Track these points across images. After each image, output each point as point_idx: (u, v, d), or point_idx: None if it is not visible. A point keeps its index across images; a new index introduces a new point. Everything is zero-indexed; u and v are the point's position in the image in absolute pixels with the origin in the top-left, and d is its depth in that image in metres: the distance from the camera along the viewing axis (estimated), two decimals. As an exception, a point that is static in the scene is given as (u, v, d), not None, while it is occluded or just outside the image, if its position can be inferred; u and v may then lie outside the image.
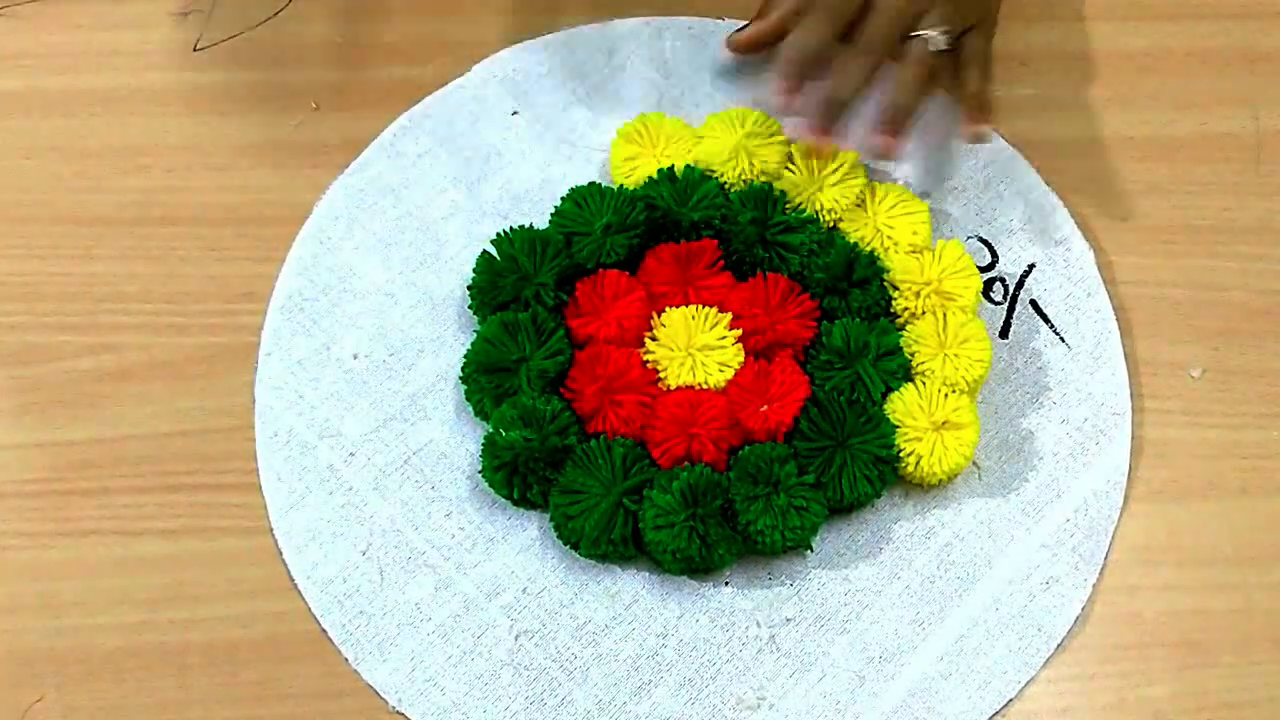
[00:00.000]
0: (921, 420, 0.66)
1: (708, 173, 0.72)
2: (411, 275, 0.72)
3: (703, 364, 0.67)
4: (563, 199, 0.71)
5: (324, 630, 0.65)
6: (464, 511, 0.67)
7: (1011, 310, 0.72)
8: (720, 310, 0.68)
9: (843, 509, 0.67)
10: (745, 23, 0.76)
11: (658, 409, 0.66)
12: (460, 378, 0.68)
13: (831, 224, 0.71)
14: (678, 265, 0.69)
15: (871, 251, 0.70)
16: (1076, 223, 0.74)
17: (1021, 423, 0.70)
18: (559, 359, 0.67)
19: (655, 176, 0.71)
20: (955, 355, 0.68)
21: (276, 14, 0.79)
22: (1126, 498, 0.69)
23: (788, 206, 0.71)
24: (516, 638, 0.65)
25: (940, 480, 0.67)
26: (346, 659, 0.64)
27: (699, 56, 0.78)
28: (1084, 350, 0.71)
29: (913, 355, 0.68)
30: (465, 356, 0.68)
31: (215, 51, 0.78)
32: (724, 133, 0.73)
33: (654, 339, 0.68)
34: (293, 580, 0.66)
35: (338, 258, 0.73)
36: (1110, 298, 0.72)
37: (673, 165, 0.71)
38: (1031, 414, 0.70)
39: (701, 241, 0.70)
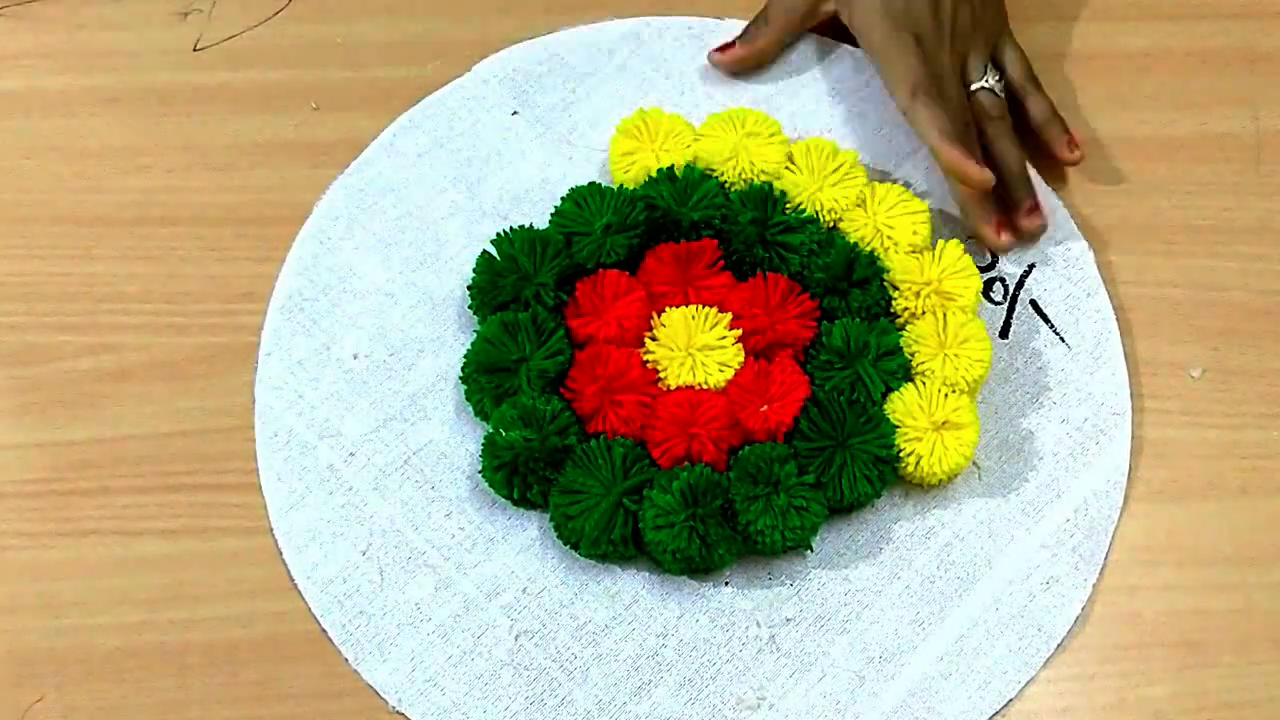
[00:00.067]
0: (921, 420, 0.66)
1: (708, 172, 0.72)
2: (411, 275, 0.72)
3: (703, 364, 0.67)
4: (563, 199, 0.71)
5: (324, 630, 0.65)
6: (464, 511, 0.67)
7: (1011, 310, 0.72)
8: (720, 310, 0.68)
9: (843, 509, 0.67)
10: (735, 37, 0.77)
11: (658, 409, 0.66)
12: (460, 378, 0.68)
13: (832, 224, 0.71)
14: (678, 265, 0.69)
15: (871, 251, 0.70)
16: (1076, 223, 0.74)
17: (1021, 423, 0.70)
18: (559, 359, 0.67)
19: (655, 175, 0.71)
20: (955, 355, 0.68)
21: (276, 14, 0.79)
22: (1126, 497, 0.69)
23: (788, 206, 0.71)
24: (516, 638, 0.65)
25: (940, 480, 0.67)
26: (346, 659, 0.64)
27: (700, 57, 0.78)
28: (1084, 350, 0.71)
29: (913, 355, 0.68)
30: (465, 356, 0.68)
31: (215, 51, 0.78)
32: (724, 132, 0.73)
33: (654, 339, 0.68)
34: (293, 580, 0.66)
35: (338, 258, 0.73)
36: (1110, 298, 0.72)
37: (672, 165, 0.71)
38: (1031, 414, 0.70)
39: (701, 241, 0.70)
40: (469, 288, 0.70)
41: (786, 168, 0.72)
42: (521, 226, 0.70)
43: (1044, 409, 0.70)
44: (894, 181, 0.74)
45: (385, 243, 0.73)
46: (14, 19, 0.79)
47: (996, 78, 0.75)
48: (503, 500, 0.67)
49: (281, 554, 0.66)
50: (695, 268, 0.69)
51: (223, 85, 0.77)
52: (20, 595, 0.65)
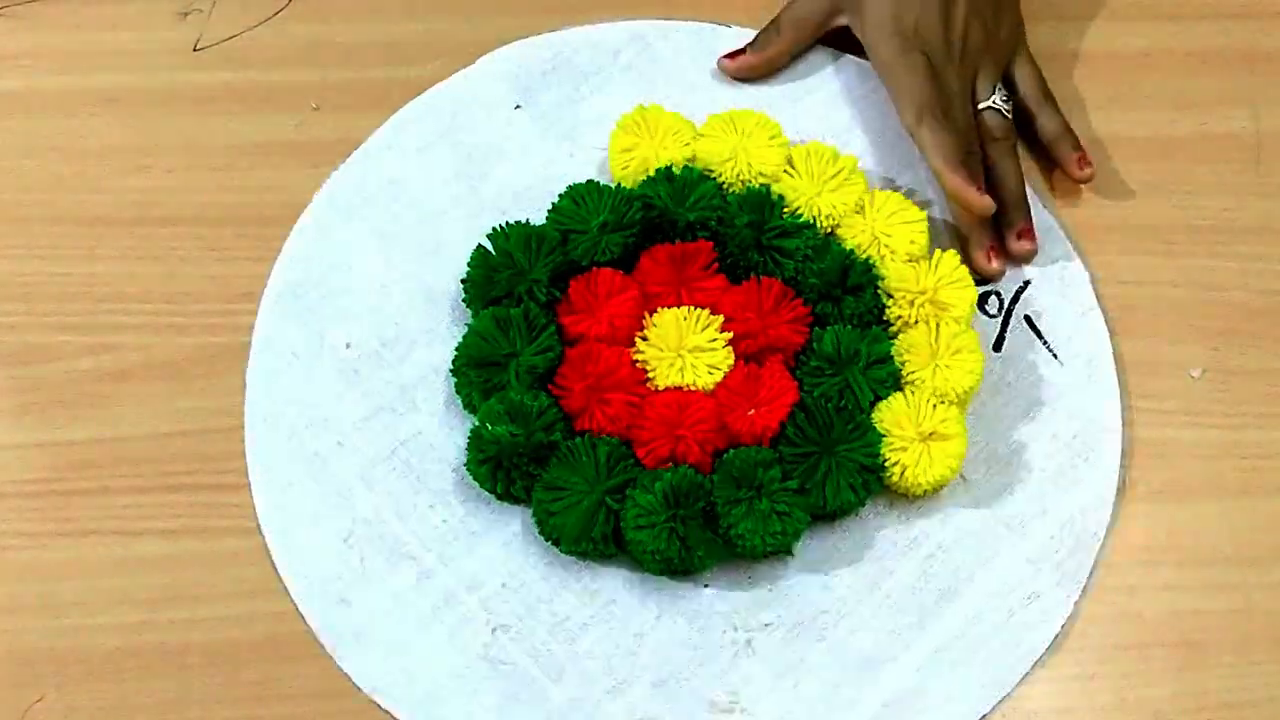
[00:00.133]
0: (909, 430, 0.66)
1: (706, 173, 0.72)
2: (409, 267, 0.72)
3: (692, 365, 0.67)
4: (560, 196, 0.71)
5: (301, 615, 0.65)
6: (448, 504, 0.67)
7: (1006, 324, 0.72)
8: (713, 312, 0.68)
9: (826, 516, 0.67)
10: (746, 44, 0.77)
11: (645, 409, 0.66)
12: (451, 371, 0.68)
13: (829, 229, 0.71)
14: (672, 266, 0.69)
15: (867, 259, 0.70)
16: (1073, 244, 0.74)
17: (1011, 436, 0.69)
18: (549, 355, 0.67)
19: (653, 175, 0.71)
20: (946, 366, 0.67)
21: (276, 14, 0.79)
22: (1126, 498, 0.69)
23: (785, 210, 0.71)
24: (494, 632, 0.65)
25: (925, 491, 0.67)
26: (323, 645, 0.64)
27: (705, 61, 0.78)
28: (1076, 367, 0.71)
29: (903, 364, 0.68)
30: (456, 350, 0.68)
31: (215, 51, 0.78)
32: (724, 133, 0.73)
33: (645, 339, 0.68)
34: (273, 564, 0.65)
35: (335, 247, 0.73)
36: (1104, 316, 0.72)
37: (671, 165, 0.71)
38: (1021, 428, 0.70)
39: (697, 243, 0.70)
40: (463, 281, 0.70)
41: (786, 171, 0.72)
42: (518, 222, 0.70)
43: (1034, 423, 0.70)
44: (896, 189, 0.74)
45: (384, 234, 0.73)
46: (14, 19, 0.79)
47: (1004, 97, 0.75)
48: (487, 494, 0.67)
49: (263, 536, 0.66)
50: (690, 269, 0.69)
51: (223, 85, 0.77)
52: (20, 595, 0.65)
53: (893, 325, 0.69)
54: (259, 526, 0.66)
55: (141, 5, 0.79)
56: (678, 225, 0.70)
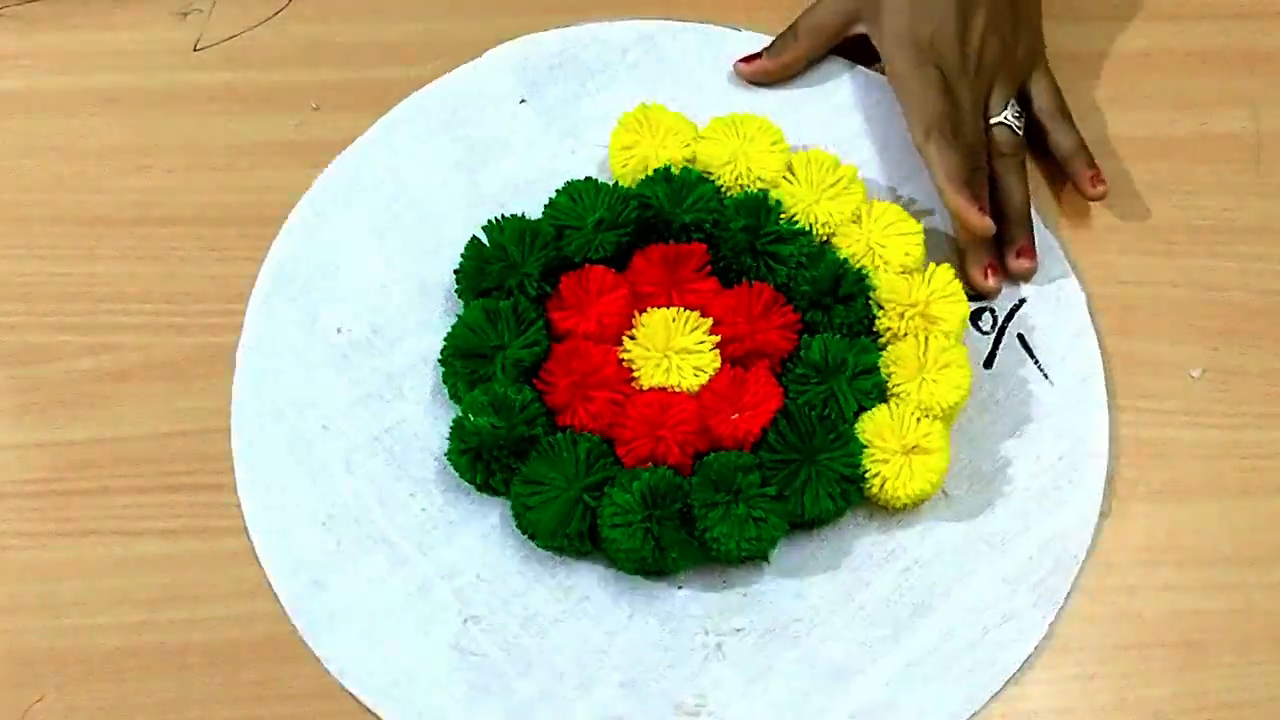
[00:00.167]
0: (891, 442, 0.65)
1: (705, 175, 0.72)
2: (405, 256, 0.72)
3: (678, 366, 0.67)
4: (557, 191, 0.71)
5: (274, 592, 0.65)
6: (428, 493, 0.67)
7: (998, 341, 0.72)
8: (703, 315, 0.68)
9: (804, 524, 0.66)
10: (762, 48, 0.77)
11: (628, 408, 0.66)
12: (439, 361, 0.68)
13: (825, 237, 0.71)
14: (665, 266, 0.69)
15: (860, 268, 0.69)
16: (1071, 264, 0.73)
17: (996, 454, 0.69)
18: (535, 350, 0.67)
19: (651, 174, 0.71)
20: (933, 380, 0.66)
21: (276, 14, 0.79)
22: (1126, 498, 0.69)
23: (782, 216, 0.70)
24: (465, 622, 0.65)
25: (905, 505, 0.66)
26: (295, 627, 0.64)
27: (713, 63, 0.78)
28: (1067, 388, 0.71)
29: (890, 376, 0.67)
30: (445, 340, 0.68)
31: (215, 51, 0.78)
32: (725, 136, 0.73)
33: (632, 338, 0.68)
34: (250, 541, 0.66)
35: (333, 232, 0.73)
36: (1099, 340, 0.71)
37: (669, 166, 0.71)
38: (1007, 446, 0.69)
39: (691, 245, 0.69)
40: (455, 272, 0.70)
41: (785, 177, 0.72)
42: (514, 215, 0.70)
43: (1021, 443, 0.69)
44: (898, 199, 0.74)
45: (382, 221, 0.73)
46: (14, 19, 0.79)
47: (1017, 113, 0.74)
48: (467, 485, 0.67)
49: (243, 515, 0.66)
50: (682, 270, 0.69)
51: (223, 85, 0.77)
52: (20, 595, 0.65)
53: (882, 336, 0.69)
54: (239, 501, 0.67)
55: (141, 5, 0.79)
56: (673, 226, 0.70)
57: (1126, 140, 0.77)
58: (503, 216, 0.70)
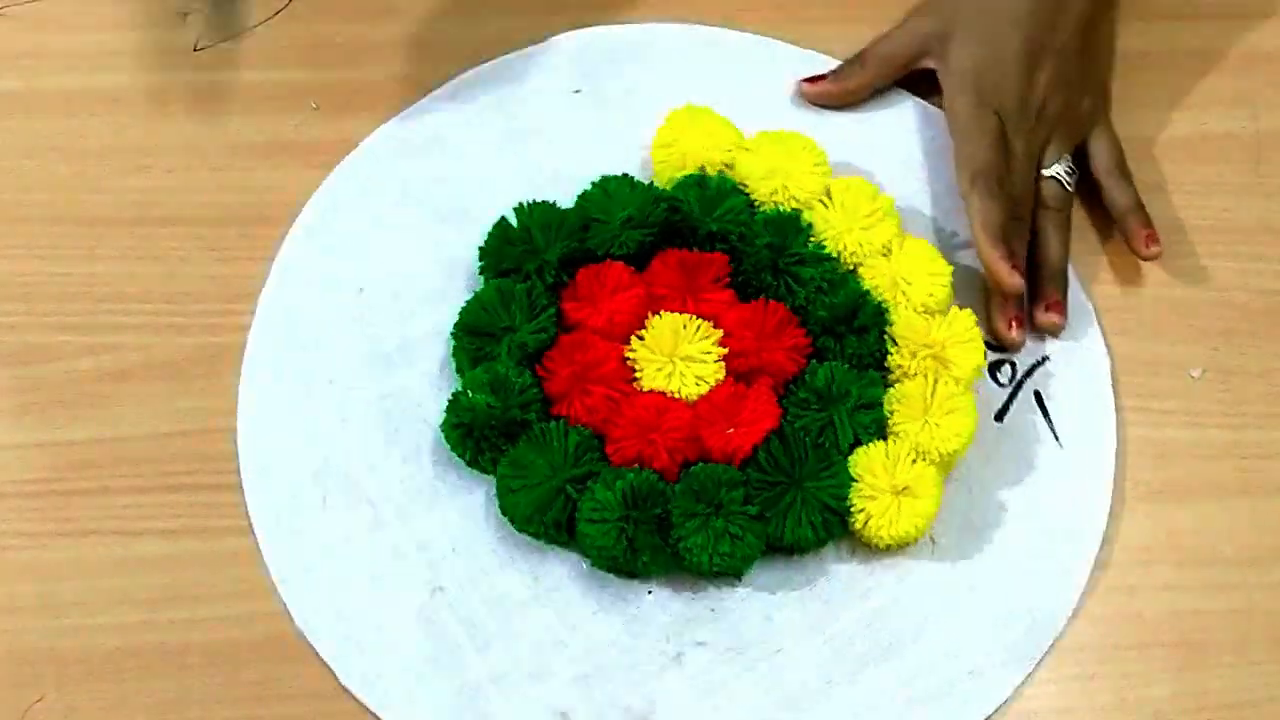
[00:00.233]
0: (881, 480, 0.64)
1: (740, 187, 0.71)
2: (437, 227, 0.73)
3: (680, 373, 0.67)
4: (592, 184, 0.71)
5: (252, 531, 0.65)
6: (419, 461, 0.68)
7: (1014, 396, 0.71)
8: (714, 325, 0.68)
9: (784, 549, 0.66)
10: (825, 71, 0.77)
11: (624, 407, 0.66)
12: (451, 334, 0.69)
13: (852, 266, 0.70)
14: (683, 272, 0.69)
15: (881, 302, 0.69)
16: (1101, 330, 0.72)
17: (991, 508, 0.68)
18: (542, 336, 0.67)
19: (686, 179, 0.71)
20: (935, 424, 0.65)
21: (276, 14, 0.79)
22: (1126, 497, 0.69)
23: (811, 240, 0.70)
24: (433, 592, 0.65)
25: (889, 545, 0.65)
26: (270, 574, 0.65)
27: (777, 78, 0.78)
28: (1076, 454, 0.69)
29: (892, 414, 0.66)
30: (458, 315, 0.68)
31: (215, 51, 0.78)
32: (769, 150, 0.72)
33: (640, 339, 0.68)
34: (239, 475, 0.66)
35: (369, 194, 0.73)
36: (1117, 413, 0.70)
37: (704, 171, 0.71)
38: (1004, 503, 0.68)
39: (713, 254, 0.69)
40: (479, 248, 0.70)
41: (821, 200, 0.71)
42: (543, 201, 0.70)
43: (1018, 501, 0.68)
44: (940, 230, 0.73)
45: (420, 189, 0.74)
46: (14, 19, 0.79)
47: (1069, 169, 0.73)
48: (458, 460, 0.67)
49: (235, 445, 0.67)
50: (700, 279, 0.69)
51: (223, 85, 0.77)
52: (20, 595, 0.65)
53: (892, 373, 0.68)
54: (234, 433, 0.67)
55: (141, 5, 0.79)
56: (699, 233, 0.70)
57: (1126, 140, 0.77)
58: (534, 201, 0.70)
